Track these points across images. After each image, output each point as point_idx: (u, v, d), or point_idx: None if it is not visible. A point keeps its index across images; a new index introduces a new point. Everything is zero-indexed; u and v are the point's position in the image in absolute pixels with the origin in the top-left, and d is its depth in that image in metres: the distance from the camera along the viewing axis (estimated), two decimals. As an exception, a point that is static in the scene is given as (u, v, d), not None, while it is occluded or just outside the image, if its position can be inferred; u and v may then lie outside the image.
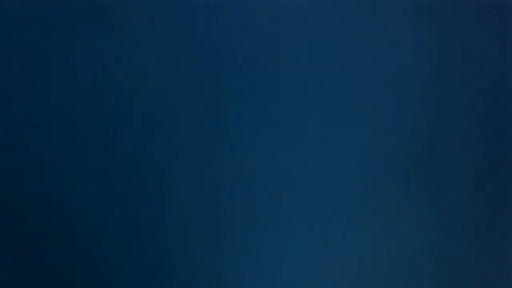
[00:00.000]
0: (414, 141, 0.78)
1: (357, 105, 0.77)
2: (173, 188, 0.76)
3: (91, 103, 0.77)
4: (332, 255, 0.76)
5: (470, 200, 0.78)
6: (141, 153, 0.76)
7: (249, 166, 0.76)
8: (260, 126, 0.77)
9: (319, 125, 0.77)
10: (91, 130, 0.76)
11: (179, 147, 0.76)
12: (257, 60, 0.77)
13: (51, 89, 0.77)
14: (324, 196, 0.77)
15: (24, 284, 0.75)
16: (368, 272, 0.76)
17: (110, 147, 0.76)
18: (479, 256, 0.77)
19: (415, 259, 0.77)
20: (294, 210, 0.76)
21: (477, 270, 0.77)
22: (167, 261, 0.76)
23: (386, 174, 0.77)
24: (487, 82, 0.78)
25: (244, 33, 0.77)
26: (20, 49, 0.77)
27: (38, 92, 0.77)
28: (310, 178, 0.77)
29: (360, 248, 0.76)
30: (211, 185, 0.76)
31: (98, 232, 0.76)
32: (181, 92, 0.77)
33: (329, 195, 0.77)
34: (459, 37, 0.78)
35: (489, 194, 0.78)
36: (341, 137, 0.77)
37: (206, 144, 0.77)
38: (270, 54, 0.77)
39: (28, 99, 0.77)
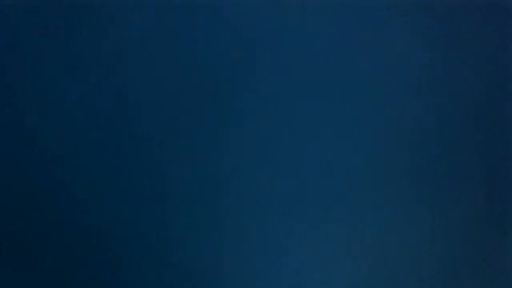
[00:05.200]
0: (414, 141, 0.78)
1: (357, 105, 0.77)
2: (174, 188, 0.76)
3: (92, 103, 0.77)
4: (332, 255, 0.76)
5: (470, 200, 0.78)
6: (141, 153, 0.76)
7: (250, 166, 0.76)
8: (261, 127, 0.77)
9: (320, 126, 0.77)
10: (92, 131, 0.76)
11: (180, 147, 0.76)
12: (257, 60, 0.77)
13: (51, 89, 0.77)
14: (325, 196, 0.77)
15: (24, 284, 0.75)
16: (369, 272, 0.76)
17: (110, 147, 0.76)
18: (479, 255, 0.77)
19: (416, 259, 0.77)
20: (295, 209, 0.76)
21: (477, 270, 0.77)
22: (168, 261, 0.76)
23: (387, 174, 0.77)
24: (487, 82, 0.79)
25: (244, 34, 0.77)
26: (19, 49, 0.77)
27: (38, 92, 0.77)
28: (311, 178, 0.77)
29: (360, 248, 0.77)
30: (212, 185, 0.76)
31: (98, 232, 0.76)
32: (181, 92, 0.77)
33: (331, 195, 0.77)
34: (459, 37, 0.78)
35: (490, 194, 0.78)
36: (342, 137, 0.77)
37: (207, 144, 0.77)
38: (270, 55, 0.77)
39: (27, 100, 0.77)
